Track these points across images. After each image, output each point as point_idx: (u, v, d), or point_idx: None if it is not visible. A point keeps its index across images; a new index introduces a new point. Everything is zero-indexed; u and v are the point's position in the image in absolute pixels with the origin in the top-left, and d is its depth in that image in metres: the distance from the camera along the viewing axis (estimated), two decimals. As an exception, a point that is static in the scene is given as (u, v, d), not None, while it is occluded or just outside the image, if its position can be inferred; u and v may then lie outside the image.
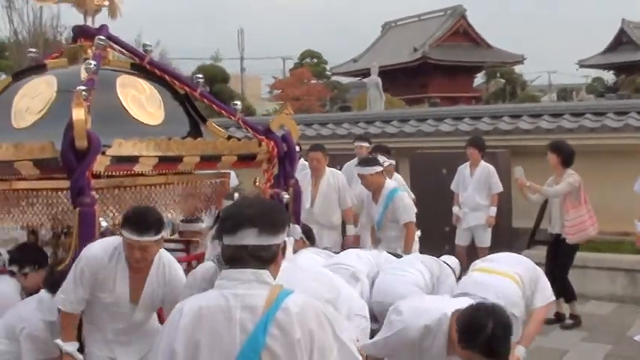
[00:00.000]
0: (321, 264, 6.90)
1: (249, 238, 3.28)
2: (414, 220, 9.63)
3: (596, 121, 14.21)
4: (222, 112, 6.88)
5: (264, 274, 3.30)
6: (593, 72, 60.70)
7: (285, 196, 6.87)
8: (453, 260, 7.32)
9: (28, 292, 6.03)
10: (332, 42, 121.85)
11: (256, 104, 50.88)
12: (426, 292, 6.49)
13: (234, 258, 3.30)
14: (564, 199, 9.76)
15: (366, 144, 12.66)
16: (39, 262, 6.10)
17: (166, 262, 5.37)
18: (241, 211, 3.34)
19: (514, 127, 14.83)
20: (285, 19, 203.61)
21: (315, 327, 3.22)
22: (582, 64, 55.37)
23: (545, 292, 6.82)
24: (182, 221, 7.70)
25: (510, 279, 6.44)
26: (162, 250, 5.35)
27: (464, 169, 12.28)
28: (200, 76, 6.94)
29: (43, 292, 5.65)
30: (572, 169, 9.79)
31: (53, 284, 5.43)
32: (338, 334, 3.34)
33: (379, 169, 9.58)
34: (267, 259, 3.33)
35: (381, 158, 11.38)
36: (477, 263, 6.94)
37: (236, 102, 7.09)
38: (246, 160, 6.66)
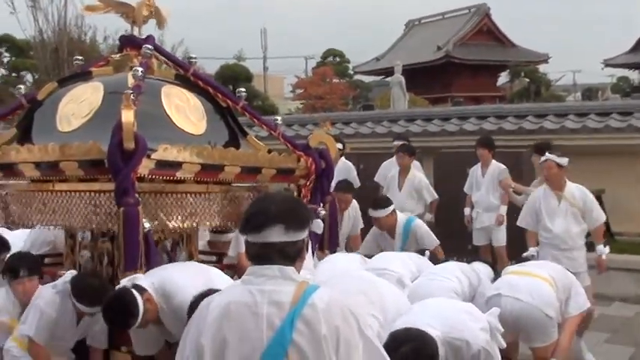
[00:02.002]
0: (359, 268, 6.98)
1: (276, 235, 3.31)
2: (438, 241, 9.46)
3: (622, 120, 14.22)
4: (263, 126, 7.01)
5: (290, 270, 3.34)
6: (618, 71, 60.13)
7: (322, 212, 6.99)
8: (485, 268, 7.23)
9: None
10: (355, 41, 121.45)
11: (279, 103, 50.93)
12: (462, 299, 6.31)
13: (261, 255, 3.34)
14: None
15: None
16: (29, 267, 6.10)
17: None
18: (267, 208, 3.35)
19: (539, 126, 14.85)
20: (308, 18, 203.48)
21: (341, 323, 3.24)
22: (607, 64, 54.94)
23: (579, 300, 6.87)
24: (212, 232, 7.70)
25: (544, 281, 6.50)
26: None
27: (475, 170, 12.30)
28: (243, 90, 7.00)
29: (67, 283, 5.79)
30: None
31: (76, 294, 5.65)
32: (363, 329, 3.35)
33: (392, 208, 9.39)
34: (293, 255, 3.38)
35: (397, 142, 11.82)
36: (511, 267, 7.02)
37: (277, 117, 7.22)
38: (284, 174, 6.78)
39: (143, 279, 5.31)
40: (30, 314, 5.78)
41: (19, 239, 7.08)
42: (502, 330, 5.25)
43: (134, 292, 5.11)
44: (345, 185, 10.49)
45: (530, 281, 6.49)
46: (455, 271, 6.77)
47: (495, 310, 5.44)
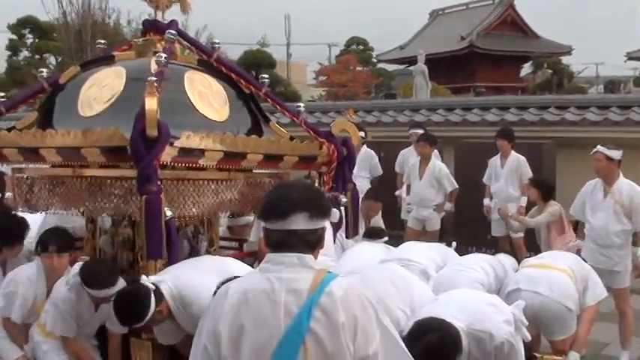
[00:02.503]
0: (382, 258, 6.98)
1: (300, 222, 3.31)
2: None
3: (644, 114, 14.14)
4: (286, 112, 7.00)
5: (309, 257, 3.35)
6: (641, 64, 59.86)
7: (343, 200, 7.00)
8: (509, 260, 7.19)
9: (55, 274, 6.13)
10: (378, 29, 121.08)
11: (302, 90, 50.89)
12: (487, 291, 6.29)
13: (282, 242, 3.34)
14: (549, 229, 9.68)
15: (420, 131, 12.98)
16: (59, 244, 6.13)
17: None
18: (290, 196, 3.35)
19: (560, 118, 14.79)
20: (332, 5, 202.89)
21: (359, 312, 3.24)
22: (630, 56, 54.58)
23: (596, 290, 6.84)
24: (229, 216, 7.65)
25: (563, 273, 6.49)
26: None
27: (495, 160, 12.37)
28: (266, 76, 6.96)
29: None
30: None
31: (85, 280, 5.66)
32: (381, 318, 3.35)
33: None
34: (314, 242, 3.39)
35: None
36: (529, 260, 6.98)
37: (300, 104, 7.21)
38: (306, 161, 6.76)
39: (161, 280, 5.29)
40: (50, 313, 5.85)
41: (34, 224, 7.13)
42: (527, 323, 5.25)
43: (150, 288, 5.11)
44: (374, 194, 10.44)
45: (549, 274, 6.47)
46: (480, 262, 6.75)
47: (520, 302, 5.42)
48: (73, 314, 5.80)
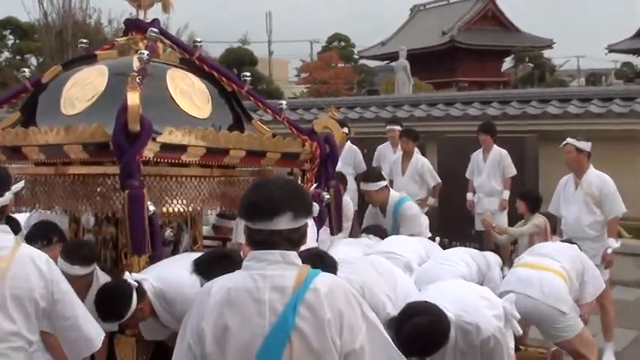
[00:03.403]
0: (366, 251, 7.01)
1: (285, 222, 3.29)
2: (422, 229, 9.10)
3: (624, 106, 14.25)
4: (268, 110, 6.98)
5: (292, 254, 3.32)
6: (622, 57, 60.13)
7: (326, 197, 7.01)
8: (494, 257, 7.10)
9: None
10: (360, 25, 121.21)
11: (284, 87, 50.87)
12: None
13: (266, 242, 3.31)
14: (532, 241, 9.53)
15: (397, 127, 12.97)
16: (48, 238, 6.06)
17: None
18: (272, 195, 3.32)
19: (542, 111, 14.87)
20: (313, 2, 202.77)
21: (344, 307, 3.23)
22: (611, 49, 54.90)
23: (596, 284, 6.89)
24: (218, 215, 7.67)
25: (556, 274, 6.48)
26: None
27: (477, 155, 12.41)
28: (248, 74, 6.95)
29: None
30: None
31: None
32: (366, 312, 3.34)
33: (383, 183, 9.15)
34: (297, 240, 3.38)
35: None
36: (523, 257, 6.96)
37: (282, 101, 7.22)
38: (289, 158, 6.74)
39: (147, 280, 5.30)
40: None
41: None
42: (518, 317, 5.27)
43: (134, 296, 5.10)
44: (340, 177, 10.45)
45: (542, 275, 6.44)
46: (463, 256, 6.75)
47: (512, 296, 5.44)
48: None
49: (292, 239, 3.35)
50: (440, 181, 12.47)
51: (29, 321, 4.35)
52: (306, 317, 3.17)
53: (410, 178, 12.28)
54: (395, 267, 6.07)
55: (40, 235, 6.04)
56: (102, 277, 5.65)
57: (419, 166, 12.28)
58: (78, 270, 5.53)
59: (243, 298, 3.23)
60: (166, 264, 5.60)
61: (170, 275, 5.38)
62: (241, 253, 6.55)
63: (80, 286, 5.53)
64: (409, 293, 5.51)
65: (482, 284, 6.47)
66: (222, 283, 3.35)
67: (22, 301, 4.28)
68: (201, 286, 4.30)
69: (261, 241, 3.32)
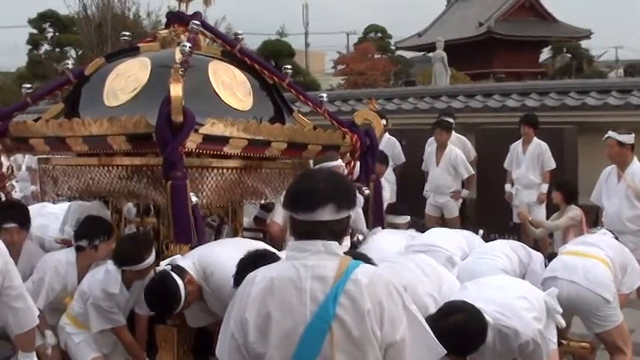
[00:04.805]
0: (407, 244, 6.97)
1: (328, 214, 3.30)
2: None
3: (663, 98, 14.08)
4: (309, 103, 7.02)
5: (334, 245, 3.34)
6: (661, 47, 59.53)
7: (366, 191, 7.01)
8: (536, 253, 6.99)
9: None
10: (396, 16, 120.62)
11: (320, 79, 50.87)
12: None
13: (309, 232, 3.33)
14: (568, 233, 9.50)
15: (451, 120, 12.98)
16: (107, 233, 6.23)
17: None
18: (316, 187, 3.34)
19: (581, 103, 14.74)
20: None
21: (385, 298, 3.23)
22: (651, 39, 54.33)
23: (634, 277, 6.80)
24: (261, 207, 7.72)
25: (601, 262, 6.42)
26: None
27: (517, 146, 12.30)
28: (289, 67, 7.00)
29: (110, 264, 5.86)
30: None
31: (119, 257, 5.75)
32: (407, 304, 3.33)
33: (408, 219, 8.43)
34: (340, 232, 3.39)
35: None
36: (568, 246, 6.92)
37: (322, 94, 7.26)
38: (329, 150, 6.76)
39: (183, 259, 5.39)
40: (92, 315, 5.88)
41: (59, 214, 7.21)
42: (561, 310, 5.25)
43: (174, 275, 5.20)
44: (382, 158, 10.43)
45: (587, 263, 6.40)
46: (504, 248, 6.71)
47: (553, 290, 5.43)
48: (114, 307, 5.85)
49: (335, 230, 3.35)
50: (473, 172, 12.49)
51: None
52: (347, 307, 3.18)
53: (444, 170, 12.32)
54: (441, 268, 6.00)
55: (101, 231, 6.19)
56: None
57: (452, 158, 12.30)
58: (139, 267, 5.69)
59: (285, 287, 3.25)
60: (206, 245, 5.69)
61: (207, 251, 5.48)
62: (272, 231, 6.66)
63: (140, 276, 5.69)
64: (454, 295, 5.42)
65: (524, 276, 6.48)
66: (265, 272, 3.38)
67: None
68: None
69: (305, 231, 3.35)
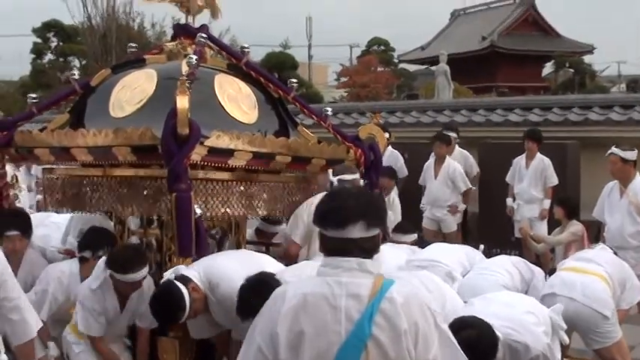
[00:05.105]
0: (408, 259, 6.94)
1: (358, 231, 3.28)
2: None
3: (667, 113, 14.07)
4: (313, 116, 7.03)
5: (368, 262, 3.31)
6: (664, 63, 59.54)
7: None
8: (537, 269, 6.98)
9: None
10: (400, 29, 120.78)
11: (323, 91, 50.92)
12: None
13: (339, 249, 3.31)
14: (569, 249, 9.50)
15: (453, 134, 13.00)
16: (111, 244, 6.22)
17: None
18: (346, 204, 3.33)
19: (584, 118, 14.75)
20: (353, 6, 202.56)
21: (419, 318, 3.24)
22: (653, 55, 54.39)
23: (634, 293, 6.79)
24: (262, 220, 7.66)
25: (599, 278, 6.42)
26: None
27: (519, 161, 12.28)
28: (294, 80, 7.00)
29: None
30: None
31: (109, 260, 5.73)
32: (439, 323, 3.35)
33: (415, 237, 8.46)
34: (370, 249, 3.35)
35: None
36: (567, 262, 6.91)
37: (327, 107, 7.26)
38: (334, 164, 6.76)
39: (188, 269, 5.39)
40: (79, 314, 5.92)
41: (62, 224, 7.23)
42: (565, 327, 5.26)
43: (179, 284, 5.19)
44: (389, 172, 10.63)
45: (585, 279, 6.40)
46: (505, 264, 6.69)
47: (558, 306, 5.44)
48: (99, 311, 5.85)
49: (365, 248, 3.33)
50: (471, 186, 12.54)
51: None
52: (383, 326, 3.18)
53: (442, 183, 12.35)
54: (444, 284, 5.97)
55: (105, 242, 6.21)
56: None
57: (451, 171, 12.33)
58: (133, 277, 5.65)
59: (319, 304, 3.24)
60: (213, 258, 5.68)
61: (212, 262, 5.49)
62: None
63: (134, 287, 5.67)
64: (457, 311, 5.38)
65: (526, 292, 6.46)
66: (297, 288, 3.36)
67: None
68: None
69: (334, 248, 3.34)
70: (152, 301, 5.29)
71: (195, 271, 5.37)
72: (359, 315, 3.18)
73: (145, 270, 5.67)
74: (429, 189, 12.40)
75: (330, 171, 6.75)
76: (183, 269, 5.38)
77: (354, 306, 3.20)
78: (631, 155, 8.71)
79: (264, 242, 7.72)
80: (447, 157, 12.50)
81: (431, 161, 12.67)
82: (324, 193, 6.58)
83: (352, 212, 3.30)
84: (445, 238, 11.66)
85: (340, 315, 3.20)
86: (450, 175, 12.30)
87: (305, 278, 3.54)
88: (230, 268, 5.30)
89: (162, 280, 5.41)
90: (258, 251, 6.94)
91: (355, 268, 3.28)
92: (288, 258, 6.55)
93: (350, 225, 3.28)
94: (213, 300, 5.37)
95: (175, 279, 5.26)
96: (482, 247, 7.62)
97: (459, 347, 3.43)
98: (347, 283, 3.25)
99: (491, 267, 6.68)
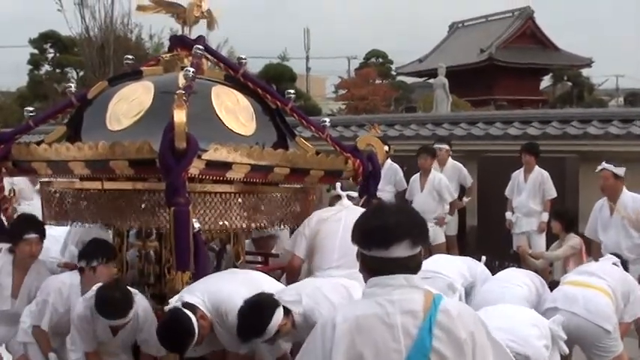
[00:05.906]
0: None
1: (404, 250, 3.25)
2: None
3: (666, 127, 14.06)
4: (311, 127, 7.01)
5: (415, 278, 3.30)
6: (662, 76, 59.64)
7: None
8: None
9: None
10: (397, 42, 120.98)
11: (321, 104, 50.99)
12: (530, 307, 6.26)
13: (383, 269, 3.28)
14: (568, 262, 9.51)
15: (446, 146, 13.06)
16: (106, 255, 6.15)
17: None
18: (388, 223, 3.28)
19: (583, 132, 14.76)
20: (351, 19, 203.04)
21: (474, 329, 3.26)
22: (651, 69, 54.50)
23: (636, 306, 6.79)
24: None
25: (602, 292, 6.42)
26: None
27: (518, 174, 12.35)
28: (292, 91, 7.02)
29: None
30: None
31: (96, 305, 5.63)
32: (490, 334, 3.39)
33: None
34: (414, 267, 3.32)
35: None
36: (569, 275, 6.93)
37: (325, 119, 7.24)
38: (332, 176, 6.73)
39: (191, 296, 5.32)
40: (71, 331, 5.86)
41: (60, 236, 7.21)
42: (565, 337, 5.26)
43: (187, 312, 5.15)
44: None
45: (587, 293, 6.41)
46: (522, 277, 6.75)
47: (558, 317, 5.45)
48: (89, 332, 5.78)
49: (410, 267, 3.30)
50: (456, 197, 12.75)
51: None
52: (442, 339, 3.17)
53: (428, 195, 12.50)
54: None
55: (99, 253, 6.15)
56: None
57: (436, 183, 12.49)
58: (119, 322, 5.61)
59: (373, 325, 3.20)
60: (209, 280, 5.61)
61: (217, 289, 5.41)
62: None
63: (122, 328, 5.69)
64: None
65: (538, 303, 6.52)
66: (347, 312, 3.32)
67: None
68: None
69: (377, 268, 3.30)
70: (160, 329, 5.23)
71: (199, 298, 5.30)
72: (417, 330, 3.18)
73: (132, 312, 5.56)
74: (416, 202, 12.38)
75: (338, 185, 6.71)
76: (186, 296, 5.31)
77: (410, 322, 3.19)
78: (621, 171, 8.88)
79: (261, 253, 7.71)
80: (432, 169, 12.65)
81: (416, 175, 12.84)
82: (327, 207, 6.60)
83: (397, 231, 3.26)
84: (432, 250, 11.59)
85: (397, 332, 3.18)
86: (436, 187, 12.47)
87: (351, 302, 3.57)
88: (234, 292, 5.24)
89: (167, 308, 5.35)
90: (255, 262, 7.10)
91: (404, 285, 3.27)
92: (291, 271, 6.51)
93: (395, 244, 3.25)
94: (221, 330, 5.33)
95: (183, 306, 5.22)
96: (484, 258, 7.62)
97: (511, 355, 3.51)
98: (399, 300, 3.23)
99: (511, 279, 6.72)
